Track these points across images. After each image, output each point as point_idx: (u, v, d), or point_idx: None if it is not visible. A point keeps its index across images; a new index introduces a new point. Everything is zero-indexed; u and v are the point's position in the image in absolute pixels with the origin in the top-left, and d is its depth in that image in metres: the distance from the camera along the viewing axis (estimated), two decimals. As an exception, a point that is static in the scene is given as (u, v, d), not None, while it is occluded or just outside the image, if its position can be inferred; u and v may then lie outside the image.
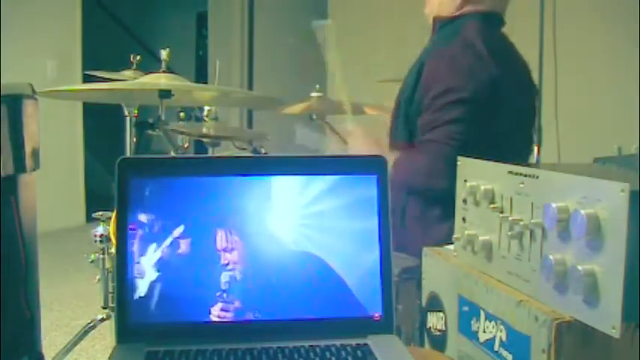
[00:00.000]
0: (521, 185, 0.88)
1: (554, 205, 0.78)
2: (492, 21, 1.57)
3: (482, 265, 0.97)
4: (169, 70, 1.69)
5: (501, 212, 0.92)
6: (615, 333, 0.71)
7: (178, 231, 0.89)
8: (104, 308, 1.82)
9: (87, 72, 2.46)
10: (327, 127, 2.11)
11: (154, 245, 0.89)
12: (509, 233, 0.89)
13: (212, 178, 0.91)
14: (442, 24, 1.59)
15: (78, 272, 3.57)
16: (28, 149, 0.92)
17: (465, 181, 1.01)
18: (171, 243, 0.89)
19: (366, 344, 0.87)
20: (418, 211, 1.53)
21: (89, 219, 4.26)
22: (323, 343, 0.87)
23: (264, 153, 2.13)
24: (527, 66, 1.68)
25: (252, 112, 4.21)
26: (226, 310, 0.89)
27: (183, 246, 0.89)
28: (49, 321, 2.76)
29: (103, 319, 1.85)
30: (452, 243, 1.06)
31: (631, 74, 3.13)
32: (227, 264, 0.90)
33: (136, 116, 2.14)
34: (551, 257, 0.79)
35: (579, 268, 0.74)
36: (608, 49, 3.42)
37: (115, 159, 0.88)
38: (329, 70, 1.74)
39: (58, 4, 4.76)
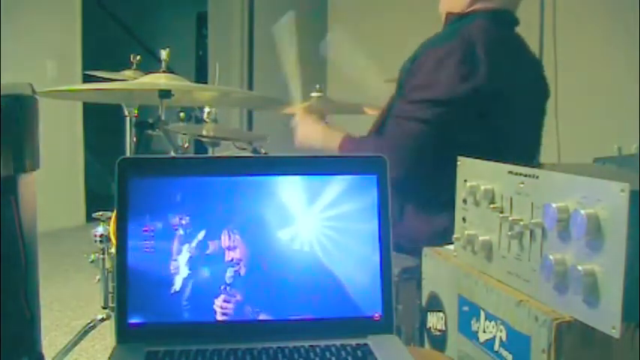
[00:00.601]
0: (521, 185, 0.88)
1: (554, 205, 0.78)
2: (502, 19, 1.54)
3: (483, 265, 0.97)
4: (169, 70, 1.69)
5: (501, 212, 0.92)
6: (615, 333, 0.71)
7: (178, 231, 0.89)
8: (104, 308, 1.82)
9: (87, 72, 2.46)
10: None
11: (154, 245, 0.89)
12: (509, 233, 0.89)
13: (212, 178, 0.91)
14: (453, 20, 1.58)
15: (78, 272, 3.57)
16: (28, 149, 0.92)
17: (465, 181, 1.01)
18: (172, 243, 0.89)
19: (366, 344, 0.87)
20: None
21: (89, 219, 4.26)
22: (323, 343, 0.87)
23: (264, 153, 2.13)
24: (538, 68, 1.66)
25: (252, 112, 4.21)
26: (227, 310, 0.89)
27: (185, 245, 0.89)
28: (49, 321, 2.76)
29: (103, 319, 1.85)
30: (452, 243, 1.07)
31: (631, 74, 3.13)
32: (228, 263, 0.89)
33: (136, 116, 2.14)
34: (551, 257, 0.79)
35: (579, 268, 0.74)
36: (609, 49, 3.42)
37: (115, 159, 0.88)
38: (287, 68, 1.78)
39: (58, 4, 4.76)
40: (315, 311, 0.90)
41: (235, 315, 0.89)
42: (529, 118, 1.63)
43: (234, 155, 1.90)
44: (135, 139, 2.11)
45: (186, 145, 2.20)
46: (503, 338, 0.87)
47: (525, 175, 0.87)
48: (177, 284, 0.88)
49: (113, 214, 1.52)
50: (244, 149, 2.22)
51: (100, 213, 1.76)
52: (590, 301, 0.74)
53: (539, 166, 0.92)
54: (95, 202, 4.12)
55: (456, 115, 1.43)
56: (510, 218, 0.88)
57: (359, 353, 0.85)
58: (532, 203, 0.85)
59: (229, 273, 0.89)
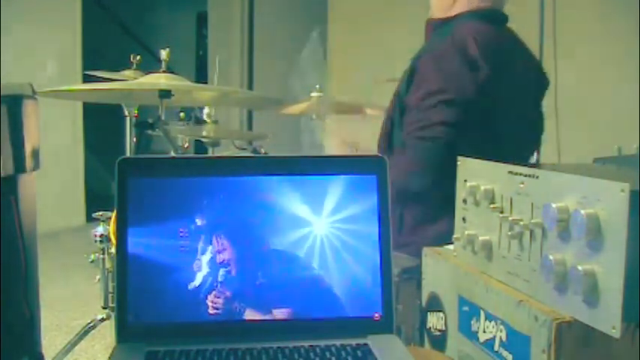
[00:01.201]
0: (521, 185, 0.88)
1: (554, 205, 0.78)
2: (489, 18, 1.54)
3: (483, 265, 0.97)
4: (169, 70, 1.69)
5: (501, 212, 0.92)
6: (615, 333, 0.71)
7: (178, 231, 0.89)
8: (104, 308, 1.82)
9: (87, 72, 2.46)
10: (328, 127, 2.11)
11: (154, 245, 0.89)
12: (509, 233, 0.89)
13: (212, 178, 0.91)
14: (436, 25, 1.58)
15: (78, 272, 3.57)
16: (28, 149, 0.92)
17: (465, 181, 1.01)
18: (172, 243, 0.89)
19: (366, 344, 0.87)
20: (416, 214, 1.52)
21: (89, 219, 4.26)
22: (323, 343, 0.87)
23: (264, 153, 2.13)
24: (534, 64, 1.66)
25: (252, 112, 4.22)
26: (226, 310, 0.89)
27: (185, 245, 0.89)
28: (49, 321, 2.76)
29: (103, 319, 1.85)
30: (452, 243, 1.06)
31: (631, 74, 3.13)
32: (226, 263, 0.90)
33: (136, 116, 2.14)
34: (551, 257, 0.79)
35: (579, 268, 0.74)
36: (609, 49, 3.42)
37: (115, 159, 0.88)
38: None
39: (58, 4, 4.76)
40: (315, 311, 0.90)
41: (235, 315, 0.89)
42: (524, 116, 1.63)
43: (234, 155, 1.90)
44: (135, 139, 2.11)
45: (186, 145, 2.20)
46: (503, 338, 0.87)
47: (525, 175, 0.87)
48: (178, 284, 0.88)
49: (113, 214, 1.52)
50: (244, 149, 2.23)
51: (100, 213, 1.76)
52: (590, 301, 0.74)
53: (539, 166, 0.92)
54: (95, 202, 4.12)
55: (469, 115, 1.43)
56: (510, 218, 0.88)
57: (359, 353, 0.85)
58: (532, 203, 0.85)
59: (228, 274, 0.89)
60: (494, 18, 1.56)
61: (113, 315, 1.61)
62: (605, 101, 3.45)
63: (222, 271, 0.89)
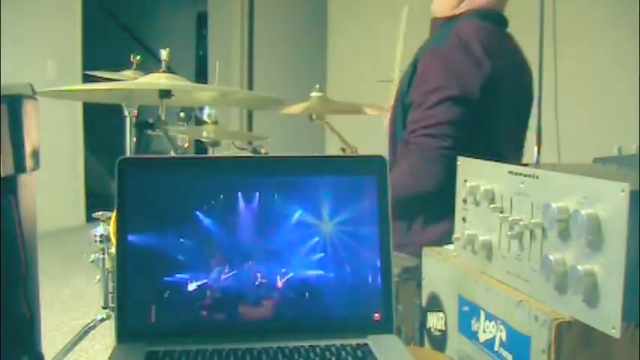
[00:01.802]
0: (521, 185, 0.88)
1: (554, 205, 0.78)
2: (491, 20, 1.55)
3: (482, 265, 0.97)
4: (169, 70, 1.69)
5: (501, 212, 0.92)
6: (615, 333, 0.71)
7: (178, 231, 0.89)
8: (104, 308, 1.82)
9: (87, 72, 2.46)
10: (328, 127, 2.11)
11: (154, 245, 0.89)
12: (509, 233, 0.89)
13: (212, 178, 0.91)
14: (440, 24, 1.58)
15: (78, 272, 3.57)
16: (28, 149, 0.92)
17: (465, 181, 1.01)
18: (172, 243, 0.89)
19: (366, 344, 0.87)
20: (422, 214, 1.52)
21: (89, 219, 4.26)
22: (323, 343, 0.87)
23: (265, 153, 2.13)
24: (528, 68, 1.67)
25: (252, 112, 4.22)
26: (226, 310, 0.89)
27: (184, 245, 0.89)
28: (49, 321, 2.76)
29: (103, 319, 1.85)
30: (452, 243, 1.06)
31: (631, 74, 3.13)
32: (226, 263, 0.89)
33: (136, 116, 2.14)
34: (551, 257, 0.79)
35: (579, 268, 0.74)
36: (608, 49, 3.42)
37: (115, 159, 0.88)
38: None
39: (58, 4, 4.76)
40: (315, 311, 0.90)
41: (235, 315, 0.89)
42: (518, 117, 1.64)
43: (234, 155, 1.90)
44: (135, 139, 2.11)
45: (186, 145, 2.20)
46: (503, 338, 0.87)
47: (525, 175, 0.87)
48: (178, 284, 0.88)
49: (113, 214, 1.52)
50: (244, 149, 2.22)
51: (100, 213, 1.76)
52: (590, 301, 0.74)
53: (539, 166, 0.92)
54: (95, 202, 4.12)
55: (471, 113, 1.42)
56: (510, 218, 0.88)
57: (359, 353, 0.85)
58: (532, 203, 0.85)
59: (228, 273, 0.89)
60: (497, 19, 1.57)
61: (113, 315, 1.61)
62: (605, 101, 3.45)
63: (222, 271, 0.89)
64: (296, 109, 2.10)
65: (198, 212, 0.89)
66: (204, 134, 2.05)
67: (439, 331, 1.06)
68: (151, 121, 1.65)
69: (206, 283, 0.89)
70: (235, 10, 5.36)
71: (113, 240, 1.63)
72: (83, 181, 5.09)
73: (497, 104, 1.48)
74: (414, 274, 1.27)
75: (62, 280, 3.47)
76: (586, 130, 3.30)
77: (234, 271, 0.89)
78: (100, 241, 1.74)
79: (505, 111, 1.52)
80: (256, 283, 0.89)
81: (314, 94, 2.05)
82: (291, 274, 0.90)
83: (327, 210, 0.91)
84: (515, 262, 0.89)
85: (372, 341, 0.88)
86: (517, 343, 0.84)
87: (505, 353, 0.87)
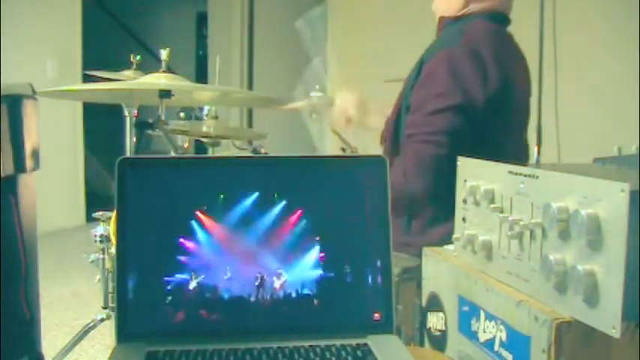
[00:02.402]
0: (521, 185, 0.88)
1: (554, 205, 0.78)
2: (498, 20, 1.54)
3: (482, 265, 0.97)
4: (169, 70, 1.69)
5: (501, 212, 0.92)
6: (615, 333, 0.71)
7: (178, 230, 0.89)
8: (104, 308, 1.82)
9: (87, 72, 2.46)
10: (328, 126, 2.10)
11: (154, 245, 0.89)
12: (509, 233, 0.89)
13: (212, 178, 0.91)
14: (448, 23, 1.57)
15: (78, 272, 3.57)
16: (28, 149, 0.92)
17: (465, 181, 1.01)
18: (172, 242, 0.89)
19: (366, 344, 0.87)
20: (416, 216, 1.52)
21: (89, 219, 4.27)
22: (323, 343, 0.87)
23: (265, 153, 2.13)
24: (526, 63, 1.66)
25: (252, 112, 4.21)
26: (226, 310, 0.89)
27: (185, 245, 0.89)
28: (49, 321, 2.76)
29: (103, 319, 1.85)
30: (452, 243, 1.06)
31: (631, 74, 3.13)
32: (226, 263, 0.89)
33: (136, 116, 2.14)
34: (551, 257, 0.79)
35: (579, 268, 0.74)
36: (609, 49, 3.42)
37: (115, 159, 0.88)
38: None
39: (58, 4, 4.76)
40: (316, 311, 0.90)
41: (235, 315, 0.89)
42: (522, 118, 1.64)
43: (234, 155, 1.90)
44: (135, 139, 2.11)
45: (186, 145, 2.20)
46: (503, 338, 0.87)
47: (525, 175, 0.87)
48: (178, 284, 0.88)
49: (113, 214, 1.52)
50: (244, 149, 2.22)
51: (100, 213, 1.76)
52: (590, 301, 0.74)
53: (539, 166, 0.92)
54: (95, 202, 4.13)
55: (477, 122, 1.40)
56: (510, 218, 0.88)
57: (359, 353, 0.85)
58: (532, 203, 0.85)
59: (228, 273, 0.89)
60: (503, 20, 1.56)
61: (113, 315, 1.61)
62: (605, 101, 3.45)
63: (222, 271, 0.89)
64: (298, 105, 2.10)
65: (198, 212, 0.89)
66: (204, 129, 2.04)
67: (439, 331, 1.06)
68: (151, 121, 1.65)
69: (206, 283, 0.89)
70: (235, 10, 5.36)
71: (113, 240, 1.63)
72: (83, 181, 5.09)
73: (502, 113, 1.46)
74: (414, 274, 1.27)
75: (62, 280, 3.47)
76: (586, 130, 3.30)
77: (234, 272, 0.89)
78: (100, 241, 1.74)
79: (510, 117, 1.52)
80: (256, 283, 0.89)
81: (314, 94, 2.05)
82: (291, 274, 0.90)
83: (327, 210, 0.91)
84: (515, 262, 0.89)
85: (372, 341, 0.88)
86: (517, 343, 0.84)
87: (505, 353, 0.87)
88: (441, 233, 1.41)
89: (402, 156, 1.48)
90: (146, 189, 0.89)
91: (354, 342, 0.87)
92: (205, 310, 0.89)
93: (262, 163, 0.96)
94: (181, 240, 0.89)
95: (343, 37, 4.81)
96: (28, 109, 0.93)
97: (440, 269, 1.07)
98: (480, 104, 1.40)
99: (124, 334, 0.87)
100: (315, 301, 0.90)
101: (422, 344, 1.13)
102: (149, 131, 1.76)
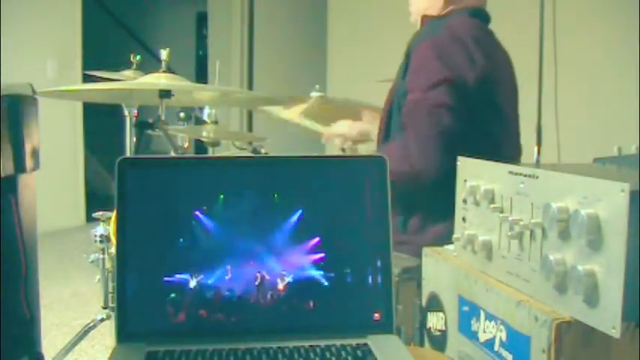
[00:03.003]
0: (521, 185, 0.88)
1: (554, 205, 0.78)
2: (479, 17, 1.59)
3: (482, 265, 0.97)
4: (169, 70, 1.69)
5: (501, 212, 0.92)
6: (615, 333, 0.71)
7: (178, 230, 0.89)
8: (104, 308, 1.82)
9: (87, 72, 2.46)
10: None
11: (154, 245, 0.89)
12: (509, 233, 0.89)
13: (212, 178, 0.91)
14: (430, 21, 1.60)
15: (78, 272, 3.57)
16: (28, 149, 0.92)
17: (465, 181, 1.01)
18: (172, 243, 0.89)
19: (366, 344, 0.87)
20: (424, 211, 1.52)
21: (89, 219, 4.27)
22: (323, 343, 0.87)
23: (265, 153, 2.13)
24: (511, 64, 1.68)
25: (252, 114, 4.21)
26: (226, 310, 0.89)
27: (185, 245, 0.89)
28: (49, 321, 2.76)
29: (103, 319, 1.85)
30: (452, 243, 1.06)
31: (631, 74, 3.13)
32: (226, 263, 0.89)
33: (136, 116, 2.14)
34: (551, 257, 0.79)
35: (579, 268, 0.74)
36: (609, 49, 3.42)
37: (115, 159, 0.88)
38: None
39: (58, 4, 4.76)
40: (315, 311, 0.90)
41: (235, 315, 0.89)
42: (510, 112, 1.65)
43: (234, 155, 1.90)
44: (135, 139, 2.11)
45: (186, 145, 2.20)
46: (503, 338, 0.87)
47: (525, 175, 0.87)
48: (178, 284, 0.88)
49: (113, 214, 1.52)
50: (244, 149, 2.22)
51: (100, 213, 1.76)
52: (590, 301, 0.74)
53: (539, 166, 0.92)
54: (95, 202, 4.13)
55: (470, 102, 1.42)
56: (510, 218, 0.88)
57: (359, 353, 0.85)
58: (532, 203, 0.85)
59: (228, 273, 0.89)
60: (484, 17, 1.61)
61: (113, 315, 1.61)
62: (605, 101, 3.45)
63: (222, 271, 0.89)
64: (294, 111, 2.10)
65: (198, 212, 0.89)
66: (204, 134, 2.05)
67: (439, 331, 1.06)
68: (151, 121, 1.65)
69: (206, 283, 0.89)
70: (235, 10, 5.35)
71: (113, 240, 1.63)
72: (83, 181, 5.09)
73: (493, 97, 1.50)
74: (414, 274, 1.27)
75: (62, 280, 3.47)
76: (586, 130, 3.30)
77: (234, 271, 0.89)
78: (100, 241, 1.74)
79: (501, 103, 1.55)
80: (256, 283, 0.89)
81: (314, 94, 2.06)
82: (291, 274, 0.90)
83: (327, 210, 0.91)
84: (515, 262, 0.89)
85: (372, 341, 0.88)
86: (517, 343, 0.84)
87: (505, 353, 0.87)
88: (437, 232, 1.42)
89: (401, 141, 1.48)
90: (146, 189, 0.89)
91: (354, 342, 0.87)
92: (205, 310, 0.89)
93: (262, 163, 0.96)
94: (181, 240, 0.89)
95: (343, 40, 4.81)
96: (28, 109, 0.93)
97: (440, 269, 1.07)
98: (470, 84, 1.43)
99: (124, 334, 0.87)
100: (315, 301, 0.90)
101: (422, 344, 1.13)
102: (149, 131, 1.76)
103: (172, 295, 0.88)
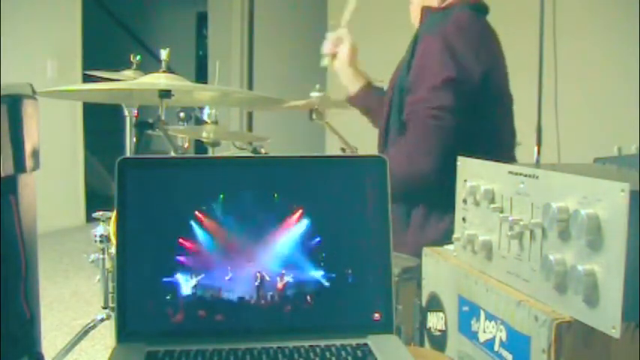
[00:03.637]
0: (521, 185, 0.88)
1: (554, 205, 0.78)
2: (481, 11, 1.59)
3: (482, 265, 0.97)
4: (169, 70, 1.69)
5: (501, 212, 0.92)
6: (615, 333, 0.71)
7: (178, 231, 0.89)
8: (104, 308, 1.82)
9: (87, 72, 2.46)
10: (328, 127, 2.11)
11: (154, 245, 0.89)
12: (509, 233, 0.89)
13: (212, 178, 0.91)
14: (431, 14, 1.59)
15: (78, 272, 3.57)
16: (28, 149, 0.92)
17: (465, 181, 1.01)
18: (172, 243, 0.89)
19: (366, 344, 0.87)
20: (425, 210, 1.52)
21: (89, 219, 4.27)
22: (323, 343, 0.87)
23: (265, 153, 2.13)
24: (502, 50, 1.69)
25: (252, 114, 4.21)
26: (225, 310, 0.89)
27: (185, 245, 0.89)
28: (49, 321, 2.76)
29: (103, 319, 1.85)
30: (452, 243, 1.06)
31: (631, 74, 3.13)
32: (226, 263, 0.89)
33: (136, 116, 2.14)
34: (551, 257, 0.79)
35: (579, 268, 0.74)
36: (609, 49, 3.42)
37: (115, 159, 0.88)
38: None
39: (58, 4, 4.76)
40: (315, 311, 0.90)
41: (235, 315, 0.89)
42: (509, 106, 1.65)
43: (234, 155, 1.90)
44: (135, 139, 2.11)
45: (186, 145, 2.20)
46: (503, 338, 0.87)
47: (525, 175, 0.87)
48: (178, 284, 0.88)
49: (113, 214, 1.52)
50: (244, 149, 2.22)
51: (100, 213, 1.76)
52: (590, 301, 0.74)
53: (539, 166, 0.92)
54: (95, 202, 4.12)
55: (473, 98, 1.42)
56: (510, 218, 0.88)
57: (359, 353, 0.85)
58: (532, 203, 0.85)
59: (228, 273, 0.89)
60: (484, 10, 1.61)
61: (113, 315, 1.61)
62: (605, 101, 3.45)
63: (222, 271, 0.89)
64: (298, 103, 2.10)
65: (198, 212, 0.89)
66: (204, 134, 2.05)
67: (439, 331, 1.06)
68: (151, 121, 1.65)
69: (206, 283, 0.89)
70: (235, 10, 5.36)
71: (113, 240, 1.63)
72: (83, 181, 5.10)
73: (495, 87, 1.50)
74: (414, 274, 1.27)
75: (62, 280, 3.47)
76: (586, 130, 3.30)
77: (234, 271, 0.89)
78: (100, 241, 1.74)
79: (501, 91, 1.56)
80: (256, 283, 0.89)
81: (314, 93, 2.06)
82: (291, 274, 0.90)
83: (327, 210, 0.91)
84: (515, 262, 0.89)
85: (372, 341, 0.88)
86: (517, 343, 0.84)
87: (505, 353, 0.87)
88: (435, 233, 1.42)
89: (396, 142, 1.48)
90: (146, 189, 0.89)
91: (354, 342, 0.87)
92: (205, 310, 0.89)
93: (262, 163, 0.96)
94: (181, 240, 0.89)
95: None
96: (28, 109, 0.93)
97: (440, 269, 1.07)
98: (476, 78, 1.43)
99: (124, 334, 0.87)
100: (315, 301, 0.90)
101: (422, 344, 1.13)
102: (149, 131, 1.76)
103: (172, 295, 0.88)
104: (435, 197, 1.47)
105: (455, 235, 1.05)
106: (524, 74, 1.79)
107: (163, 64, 1.68)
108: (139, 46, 6.23)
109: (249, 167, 0.93)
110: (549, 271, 0.79)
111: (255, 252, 0.90)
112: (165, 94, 1.61)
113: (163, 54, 1.69)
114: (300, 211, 0.91)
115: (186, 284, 0.88)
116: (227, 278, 0.89)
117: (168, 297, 0.88)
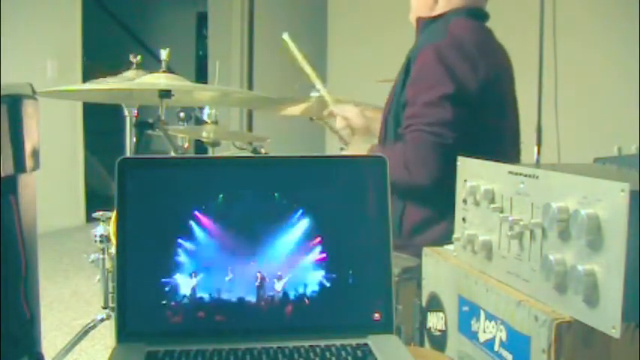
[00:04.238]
0: (521, 185, 0.88)
1: (554, 205, 0.78)
2: (478, 17, 1.57)
3: (482, 265, 0.97)
4: (169, 70, 1.69)
5: (501, 212, 0.92)
6: (615, 333, 0.71)
7: (178, 231, 0.89)
8: (104, 308, 1.82)
9: (87, 72, 2.46)
10: (328, 127, 2.11)
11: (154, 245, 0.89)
12: (509, 233, 0.89)
13: (212, 178, 0.91)
14: (426, 23, 1.58)
15: (78, 272, 3.57)
16: (28, 149, 0.92)
17: (465, 181, 1.01)
18: (172, 243, 0.89)
19: (366, 344, 0.87)
20: (417, 216, 1.52)
21: (89, 219, 4.27)
22: (323, 343, 0.87)
23: (265, 153, 2.13)
24: (509, 59, 1.68)
25: (252, 112, 4.21)
26: (226, 310, 0.89)
27: (185, 246, 0.89)
28: (49, 321, 2.76)
29: (103, 319, 1.85)
30: (452, 243, 1.06)
31: (631, 74, 3.13)
32: (226, 263, 0.89)
33: (136, 116, 2.14)
34: (551, 257, 0.79)
35: (579, 268, 0.74)
36: (608, 49, 3.42)
37: (115, 159, 0.88)
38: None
39: (58, 4, 4.76)
40: (315, 311, 0.90)
41: (235, 315, 0.89)
42: (513, 112, 1.65)
43: (234, 155, 1.90)
44: (135, 139, 2.11)
45: (186, 145, 2.20)
46: (503, 338, 0.87)
47: (525, 175, 0.87)
48: (178, 284, 0.88)
49: (113, 214, 1.52)
50: (244, 149, 2.23)
51: (100, 213, 1.76)
52: (590, 301, 0.74)
53: (539, 166, 0.92)
54: (95, 202, 4.12)
55: (471, 112, 1.42)
56: (510, 218, 0.88)
57: (359, 353, 0.85)
58: (532, 203, 0.85)
59: (228, 273, 0.89)
60: (482, 16, 1.59)
61: (113, 315, 1.61)
62: (605, 101, 3.45)
63: (222, 271, 0.89)
64: (296, 109, 2.10)
65: (197, 212, 0.89)
66: (204, 134, 2.05)
67: (439, 331, 1.06)
68: (151, 121, 1.66)
69: (206, 283, 0.89)
70: (235, 10, 5.36)
71: (113, 240, 1.63)
72: (83, 181, 5.09)
73: (495, 97, 1.49)
74: (414, 274, 1.27)
75: (62, 280, 3.47)
76: (586, 130, 3.30)
77: (234, 272, 0.89)
78: (100, 241, 1.74)
79: (503, 100, 1.55)
80: (256, 283, 0.90)
81: (314, 94, 2.06)
82: (291, 274, 0.90)
83: (327, 210, 0.91)
84: (515, 262, 0.89)
85: (372, 341, 0.88)
86: (517, 343, 0.84)
87: (505, 353, 0.87)
88: (434, 235, 1.42)
89: (400, 147, 1.48)
90: (146, 189, 0.89)
91: (354, 342, 0.87)
92: (205, 310, 0.89)
93: (262, 163, 0.96)
94: (181, 240, 0.89)
95: (343, 40, 4.81)
96: (28, 109, 0.93)
97: (440, 269, 1.07)
98: (473, 91, 1.42)
99: (124, 334, 0.87)
100: (315, 301, 0.90)
101: (422, 344, 1.13)
102: (149, 131, 1.77)
103: (172, 295, 0.88)
104: (433, 204, 1.47)
105: (455, 235, 1.05)
106: (524, 74, 1.79)
107: (163, 64, 1.69)
108: (139, 46, 6.23)
109: (249, 167, 0.93)
110: (549, 271, 0.79)
111: (255, 252, 0.90)
112: (165, 94, 1.61)
113: (163, 54, 1.69)
114: (300, 211, 0.91)
115: (186, 284, 0.88)
116: (227, 278, 0.89)
117: (168, 297, 0.88)
